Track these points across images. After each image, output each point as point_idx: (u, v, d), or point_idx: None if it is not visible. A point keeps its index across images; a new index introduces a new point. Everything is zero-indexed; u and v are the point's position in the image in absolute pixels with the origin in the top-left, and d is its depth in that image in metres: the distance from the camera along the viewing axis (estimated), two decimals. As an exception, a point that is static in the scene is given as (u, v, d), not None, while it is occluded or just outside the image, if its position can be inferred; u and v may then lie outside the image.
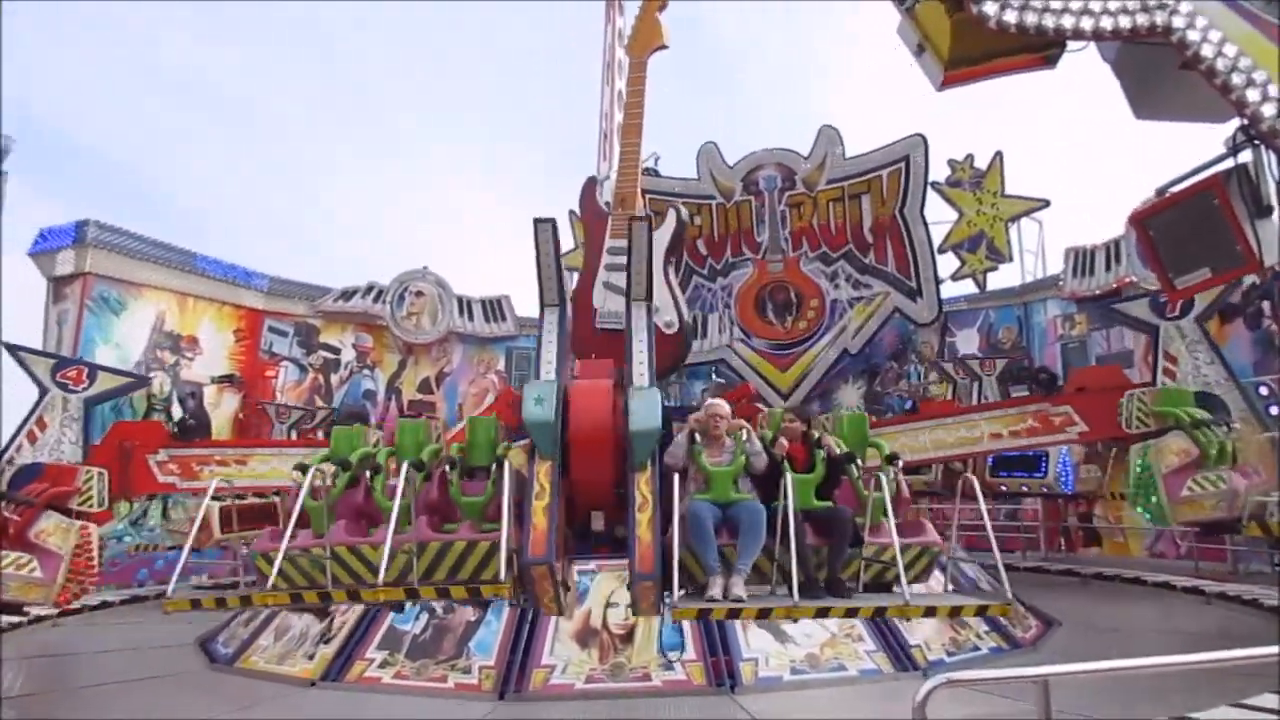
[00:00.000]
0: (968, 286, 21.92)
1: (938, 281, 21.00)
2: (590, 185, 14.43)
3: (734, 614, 5.18)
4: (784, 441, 5.78)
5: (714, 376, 23.49)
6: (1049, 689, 3.55)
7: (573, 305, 13.97)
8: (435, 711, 7.13)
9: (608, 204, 14.62)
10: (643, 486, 5.55)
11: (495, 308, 24.11)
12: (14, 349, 10.42)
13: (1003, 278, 21.95)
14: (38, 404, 10.18)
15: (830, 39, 71.02)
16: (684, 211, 14.03)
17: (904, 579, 5.14)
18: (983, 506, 5.66)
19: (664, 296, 13.00)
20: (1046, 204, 21.36)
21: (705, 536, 5.29)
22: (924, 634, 8.52)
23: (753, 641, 7.98)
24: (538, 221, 6.63)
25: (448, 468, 5.93)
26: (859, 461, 5.92)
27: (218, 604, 5.89)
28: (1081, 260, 19.51)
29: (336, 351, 21.64)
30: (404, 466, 5.47)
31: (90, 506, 9.03)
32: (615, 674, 7.69)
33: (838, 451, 5.79)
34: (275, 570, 5.35)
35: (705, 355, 22.51)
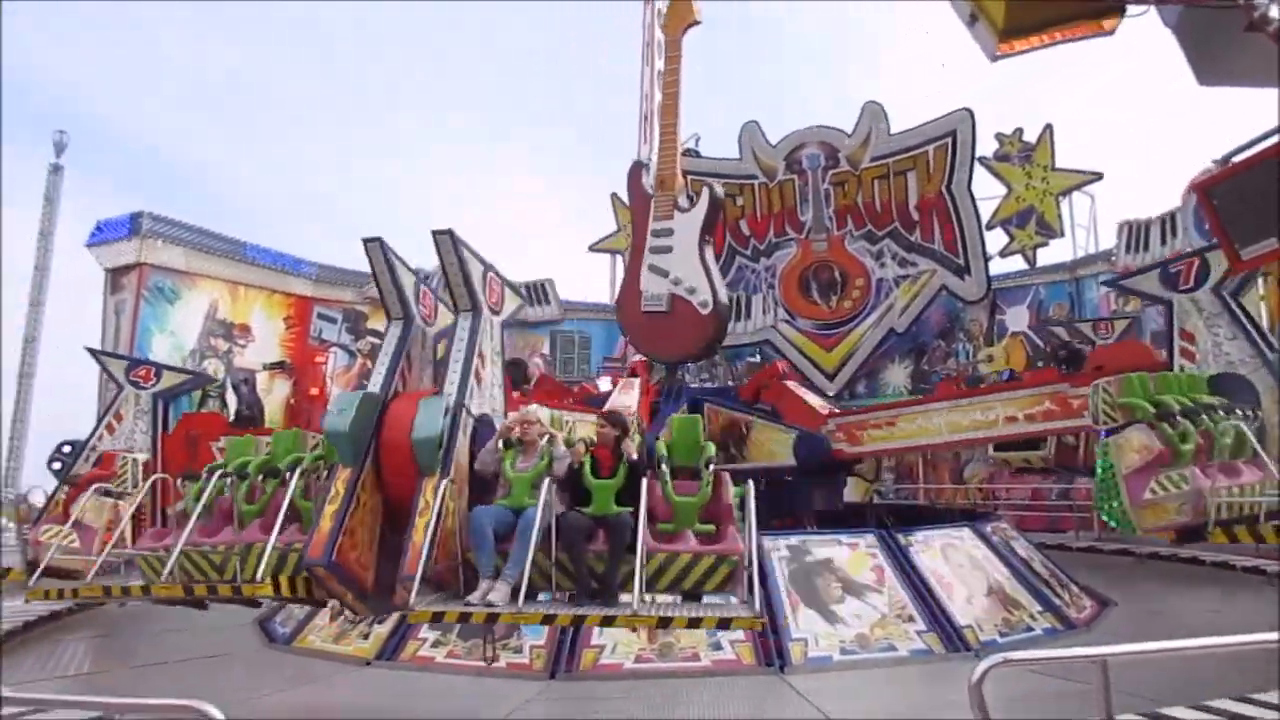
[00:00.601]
0: (1017, 263, 21.54)
1: (986, 258, 20.67)
2: (636, 170, 14.38)
3: (492, 618, 5.50)
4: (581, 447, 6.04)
5: (759, 358, 23.37)
6: (1108, 669, 3.49)
7: (624, 290, 14.06)
8: (487, 690, 7.23)
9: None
10: (427, 492, 5.76)
11: (539, 291, 24.22)
12: (95, 353, 12.35)
13: (1053, 253, 21.54)
14: (114, 400, 11.85)
15: (874, 11, 69.87)
16: (718, 189, 13.87)
17: (636, 588, 5.11)
18: None
19: (698, 276, 12.97)
20: (1099, 177, 20.87)
21: (480, 542, 5.52)
22: (975, 615, 8.43)
23: (802, 622, 7.96)
24: (365, 242, 7.04)
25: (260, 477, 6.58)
26: (698, 465, 6.02)
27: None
28: (1135, 234, 19.04)
29: (383, 337, 21.91)
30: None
31: (125, 488, 9.96)
32: (664, 654, 7.72)
33: (634, 457, 5.88)
34: (94, 571, 6.59)
35: (750, 336, 22.43)
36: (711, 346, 13.66)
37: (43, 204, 25.62)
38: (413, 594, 5.29)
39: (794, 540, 8.93)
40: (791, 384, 13.35)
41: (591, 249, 26.20)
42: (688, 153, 24.37)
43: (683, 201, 13.41)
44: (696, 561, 5.41)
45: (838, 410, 12.18)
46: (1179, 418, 7.15)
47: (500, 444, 6.19)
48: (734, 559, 5.43)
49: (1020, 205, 21.10)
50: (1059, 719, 5.28)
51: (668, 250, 13.29)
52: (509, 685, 7.31)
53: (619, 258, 25.43)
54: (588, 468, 5.86)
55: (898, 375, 22.73)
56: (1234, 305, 9.06)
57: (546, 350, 24.44)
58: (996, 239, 21.17)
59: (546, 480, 5.60)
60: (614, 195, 25.58)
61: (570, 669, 7.62)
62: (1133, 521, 7.39)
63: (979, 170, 21.01)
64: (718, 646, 7.73)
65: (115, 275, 18.32)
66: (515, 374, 12.73)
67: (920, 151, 21.20)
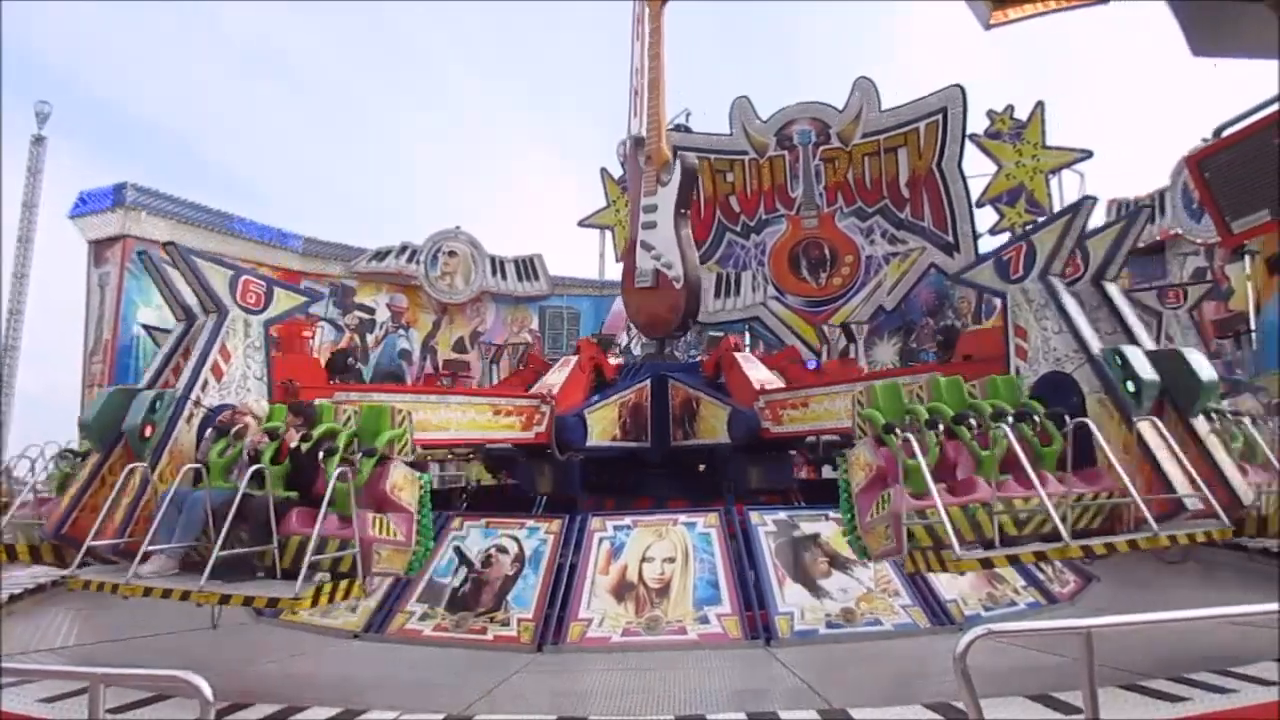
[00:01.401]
0: (1006, 240, 21.56)
1: (976, 236, 20.67)
2: (634, 146, 14.31)
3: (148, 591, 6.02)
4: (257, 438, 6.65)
5: (747, 334, 23.40)
6: (1092, 641, 3.52)
7: (624, 267, 14.07)
8: (475, 662, 7.26)
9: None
10: (131, 475, 6.78)
11: (528, 267, 24.15)
12: (184, 253, 8.49)
13: (1043, 231, 21.53)
14: (218, 329, 8.31)
15: (865, -11, 69.47)
16: (691, 160, 13.76)
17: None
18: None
19: (673, 250, 12.96)
20: (1089, 155, 20.86)
21: (160, 521, 6.15)
22: (960, 589, 8.49)
23: (788, 596, 8.01)
24: (165, 245, 8.29)
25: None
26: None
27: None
28: (1124, 212, 19.06)
29: (371, 311, 21.84)
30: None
31: (407, 453, 7.36)
32: (651, 627, 7.76)
33: (293, 445, 6.56)
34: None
35: (739, 313, 22.42)
36: (684, 320, 13.56)
37: (25, 175, 25.31)
38: (74, 564, 6.21)
39: (781, 515, 8.97)
40: (742, 356, 13.08)
41: (581, 224, 26.09)
42: (679, 128, 24.24)
43: (664, 176, 13.37)
44: (326, 545, 5.93)
45: (769, 387, 11.68)
46: (928, 428, 6.20)
47: (212, 433, 6.92)
48: (352, 546, 5.95)
49: (1010, 183, 21.09)
50: (1043, 691, 5.32)
51: (653, 226, 13.30)
52: (496, 658, 7.34)
53: (608, 233, 25.36)
54: (268, 455, 6.36)
55: (886, 352, 22.81)
56: (1063, 293, 8.17)
57: (535, 326, 24.38)
58: (986, 217, 21.18)
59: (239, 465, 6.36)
60: (603, 170, 25.44)
61: (558, 642, 7.65)
62: (865, 547, 6.57)
63: (970, 147, 20.97)
64: (705, 620, 7.78)
65: (99, 247, 18.15)
66: (338, 361, 12.44)
67: (911, 128, 21.12)
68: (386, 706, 5.62)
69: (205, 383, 7.89)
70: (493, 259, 23.77)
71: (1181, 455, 6.62)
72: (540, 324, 24.57)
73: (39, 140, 25.85)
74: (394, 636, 8.11)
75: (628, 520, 8.81)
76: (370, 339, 22.41)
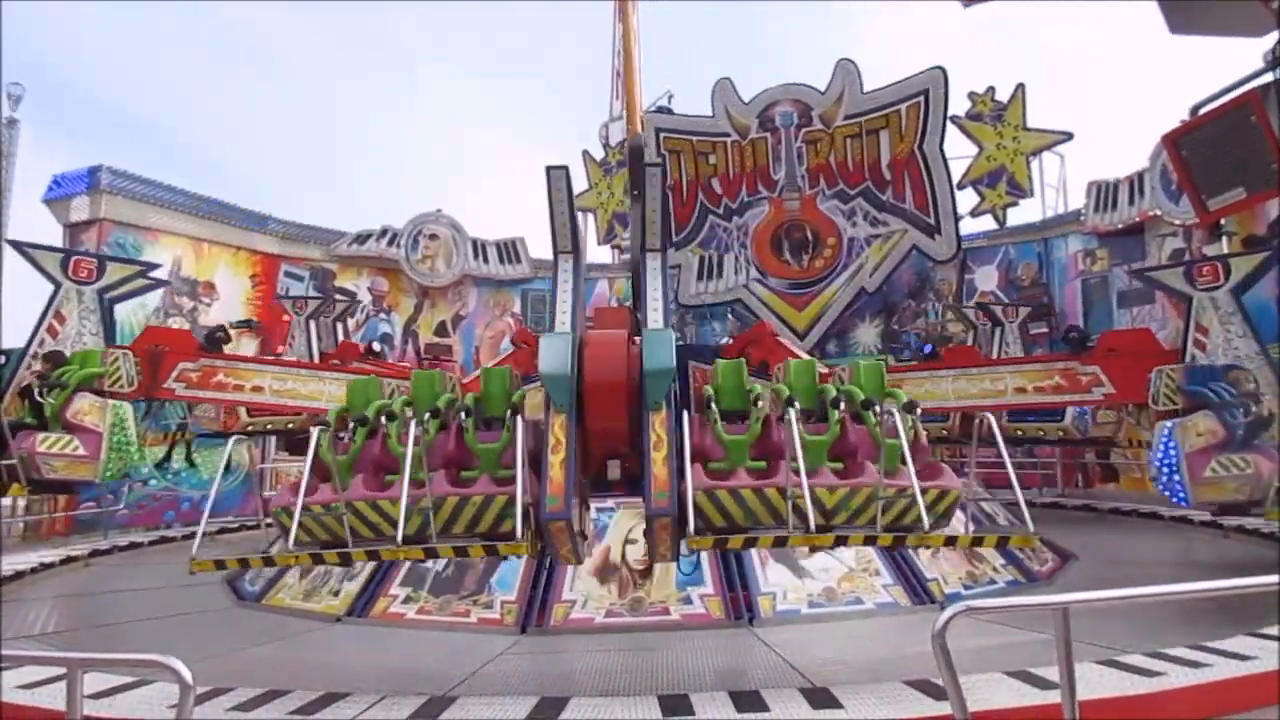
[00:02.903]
0: (987, 223, 21.61)
1: (957, 218, 20.70)
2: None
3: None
4: None
5: (730, 317, 23.41)
6: (1069, 617, 3.55)
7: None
8: (458, 645, 7.26)
9: (620, 144, 14.38)
10: (657, 426, 5.53)
11: (510, 250, 24.01)
12: (19, 245, 10.95)
13: (1023, 213, 21.61)
14: (53, 299, 10.55)
15: (848, -30, 69.14)
16: (639, 139, 13.42)
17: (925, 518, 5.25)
18: (1002, 448, 5.72)
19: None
20: (1069, 137, 20.91)
21: None
22: (941, 568, 8.57)
23: (770, 576, 8.05)
24: (550, 169, 6.54)
25: (463, 416, 5.92)
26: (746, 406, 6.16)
27: (241, 565, 6.03)
28: (1104, 194, 19.16)
29: (352, 295, 21.61)
30: (424, 417, 5.53)
31: (120, 386, 9.85)
32: (634, 608, 7.79)
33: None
34: (294, 528, 5.42)
35: (721, 295, 22.41)
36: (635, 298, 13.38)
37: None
38: (674, 532, 5.30)
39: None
40: (785, 340, 13.29)
41: (563, 207, 25.95)
42: (661, 110, 24.13)
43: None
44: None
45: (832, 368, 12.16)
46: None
47: None
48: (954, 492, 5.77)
49: (991, 165, 21.11)
50: (1021, 668, 5.39)
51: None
52: (480, 640, 7.35)
53: (591, 215, 25.26)
54: None
55: (868, 335, 22.86)
56: (1244, 307, 9.93)
57: (517, 309, 24.28)
58: (967, 199, 21.21)
59: None
60: (585, 152, 25.31)
61: (541, 623, 7.67)
62: (1190, 495, 8.89)
63: (951, 129, 20.99)
64: (688, 601, 7.81)
65: (73, 231, 17.86)
66: (212, 335, 12.54)
67: (893, 110, 21.10)
68: (370, 690, 5.62)
69: (43, 340, 10.16)
70: (474, 242, 23.60)
71: None
72: (522, 307, 24.44)
73: (11, 123, 25.43)
74: (377, 620, 8.10)
75: (610, 503, 8.82)
76: (351, 323, 22.23)
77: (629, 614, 7.74)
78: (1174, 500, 9.29)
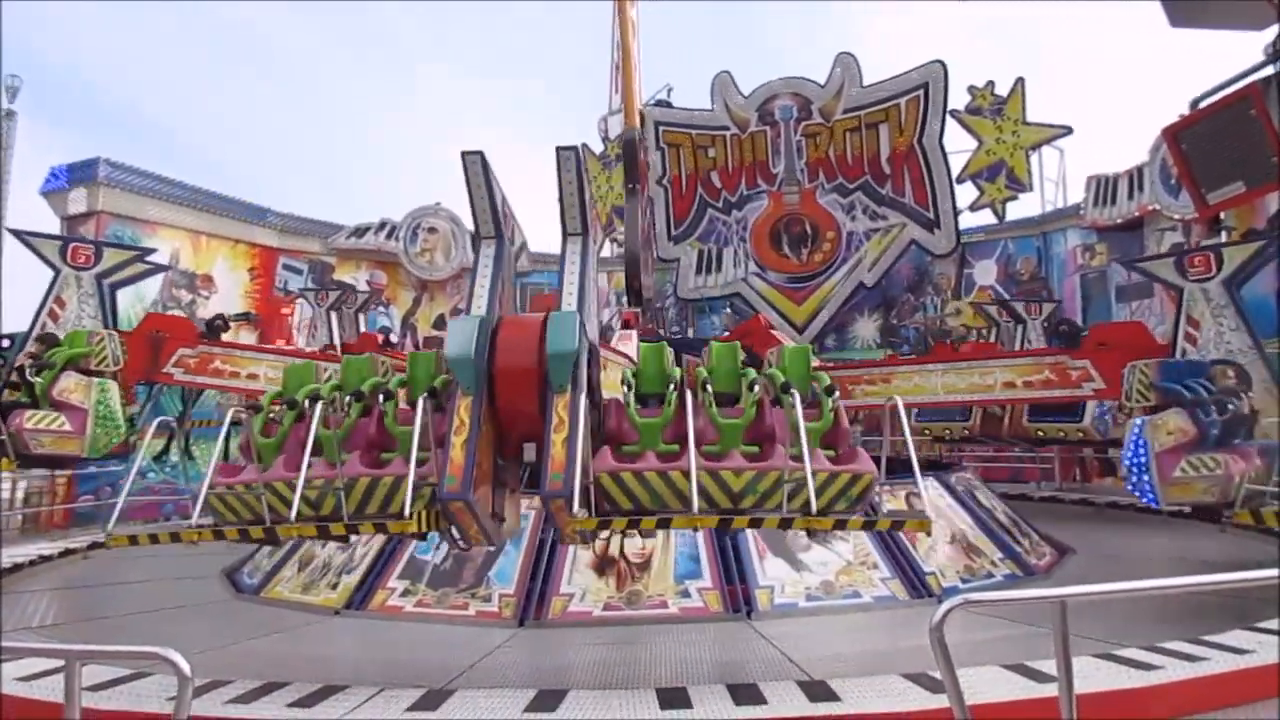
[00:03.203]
0: (986, 217, 21.60)
1: (956, 212, 20.70)
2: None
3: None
4: None
5: (729, 310, 23.41)
6: (1066, 611, 3.56)
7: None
8: (456, 638, 7.26)
9: (619, 138, 14.35)
10: (560, 409, 5.54)
11: (508, 243, 23.97)
12: (19, 233, 11.43)
13: (1022, 208, 21.63)
14: (53, 284, 11.08)
15: (848, -37, 68.94)
16: (629, 132, 13.12)
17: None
18: (908, 435, 5.76)
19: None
20: (1069, 131, 20.89)
21: None
22: (938, 562, 8.58)
23: (768, 569, 8.06)
24: (465, 154, 6.67)
25: (381, 400, 6.03)
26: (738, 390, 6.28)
27: (151, 540, 6.13)
28: (1103, 189, 19.14)
29: (351, 288, 21.57)
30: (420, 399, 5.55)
31: (105, 366, 10.27)
32: (632, 601, 7.79)
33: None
34: (198, 508, 5.65)
35: (720, 289, 22.42)
36: (628, 293, 13.31)
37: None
38: (575, 504, 5.18)
39: (762, 490, 9.00)
40: (778, 333, 13.33)
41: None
42: (661, 104, 24.11)
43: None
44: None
45: (829, 363, 12.20)
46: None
47: None
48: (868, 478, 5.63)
49: (991, 159, 21.09)
50: (1018, 661, 5.39)
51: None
52: (478, 633, 7.35)
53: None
54: None
55: (867, 329, 22.86)
56: (1238, 299, 9.60)
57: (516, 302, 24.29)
58: (966, 193, 21.21)
59: None
60: (584, 146, 25.29)
61: (539, 617, 7.68)
62: (1158, 494, 8.36)
63: (950, 124, 20.96)
64: (686, 594, 7.82)
65: (71, 224, 17.81)
66: (214, 324, 12.89)
67: (893, 104, 21.09)
68: (368, 682, 5.62)
69: (45, 325, 10.54)
70: (473, 235, 23.61)
71: None
72: (522, 301, 24.45)
73: (9, 115, 25.37)
74: (375, 613, 8.11)
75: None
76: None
77: (627, 607, 7.74)
78: (1144, 501, 8.90)
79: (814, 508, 5.23)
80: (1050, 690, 4.18)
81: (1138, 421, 8.82)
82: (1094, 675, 5.12)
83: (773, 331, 13.11)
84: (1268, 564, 4.44)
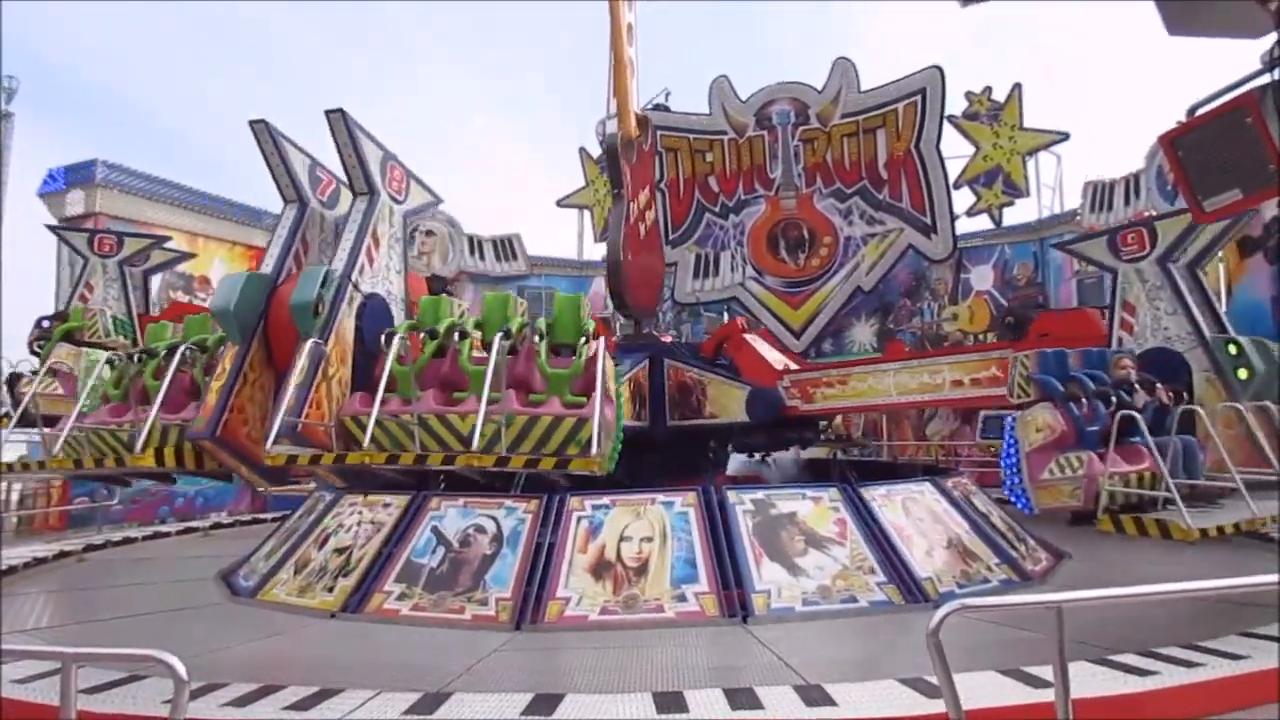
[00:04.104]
0: (983, 222, 21.69)
1: (953, 217, 20.77)
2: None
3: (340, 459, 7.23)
4: None
5: (726, 314, 23.42)
6: (1063, 616, 3.57)
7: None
8: (453, 641, 7.26)
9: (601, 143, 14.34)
10: (300, 354, 6.14)
11: (506, 247, 24.01)
12: (55, 229, 13.56)
13: (1019, 213, 21.72)
14: (83, 271, 12.66)
15: (845, -32, 69.09)
16: (611, 137, 13.26)
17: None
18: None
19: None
20: (1065, 137, 20.98)
21: None
22: (935, 567, 8.58)
23: (765, 574, 8.06)
24: (329, 113, 7.58)
25: (536, 339, 6.37)
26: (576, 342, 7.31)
27: (313, 461, 6.34)
28: (1100, 194, 19.23)
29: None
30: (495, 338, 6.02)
31: (96, 338, 10.98)
32: (629, 606, 7.79)
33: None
34: (369, 433, 5.90)
35: (718, 294, 22.44)
36: (613, 298, 13.33)
37: (-5, 151, 24.82)
38: (269, 443, 5.78)
39: (759, 494, 9.01)
40: (751, 338, 13.29)
41: (559, 204, 25.97)
42: (658, 108, 24.13)
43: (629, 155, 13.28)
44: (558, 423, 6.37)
45: (794, 367, 12.12)
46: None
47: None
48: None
49: (987, 164, 21.17)
50: (1014, 666, 5.40)
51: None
52: (475, 637, 7.34)
53: (587, 213, 25.26)
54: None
55: (864, 333, 22.90)
56: (1179, 278, 8.82)
57: (513, 306, 24.29)
58: (963, 198, 21.29)
59: None
60: (582, 149, 25.33)
61: (536, 620, 7.67)
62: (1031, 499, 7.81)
63: (947, 129, 21.02)
64: (682, 598, 7.81)
65: (69, 225, 17.82)
66: (434, 284, 13.40)
67: (890, 109, 21.15)
68: (365, 685, 5.61)
69: (361, 267, 8.10)
70: (471, 238, 23.60)
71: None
72: (536, 306, 24.49)
73: (6, 116, 25.39)
74: (371, 616, 8.09)
75: (606, 499, 8.82)
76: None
77: (623, 611, 7.74)
78: (1019, 508, 8.19)
79: (504, 449, 5.83)
80: (1047, 696, 4.20)
81: (1010, 418, 8.23)
82: (1090, 681, 5.13)
83: (746, 337, 13.08)
84: (1263, 571, 4.45)
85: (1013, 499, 8.21)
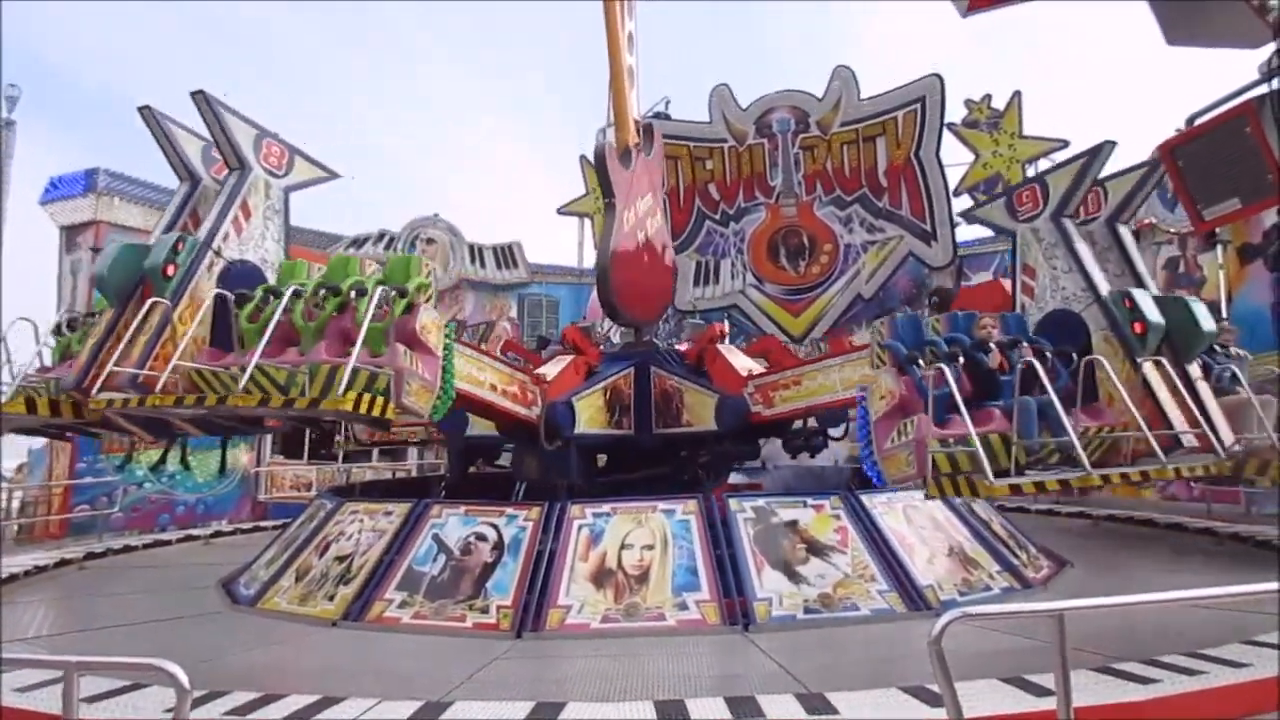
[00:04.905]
0: (983, 229, 21.68)
1: (953, 224, 20.78)
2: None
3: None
4: None
5: (726, 323, 23.44)
6: (1064, 623, 3.57)
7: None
8: (454, 650, 7.25)
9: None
10: (151, 310, 7.70)
11: (507, 254, 24.04)
12: (214, 104, 9.09)
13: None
14: (240, 185, 9.13)
15: (845, -23, 69.30)
16: (599, 145, 13.34)
17: None
18: None
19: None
20: (1065, 144, 21.03)
21: None
22: (936, 575, 8.58)
23: (766, 582, 8.06)
24: (193, 94, 8.83)
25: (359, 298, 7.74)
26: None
27: (124, 406, 7.67)
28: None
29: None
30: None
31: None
32: (630, 614, 7.79)
33: None
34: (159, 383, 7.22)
35: (718, 301, 22.45)
36: (605, 307, 13.31)
37: (-4, 160, 24.85)
38: (95, 390, 7.10)
39: (760, 502, 9.01)
40: (722, 346, 13.16)
41: (560, 212, 26.02)
42: (658, 116, 24.18)
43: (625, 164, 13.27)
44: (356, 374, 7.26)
45: (758, 372, 11.95)
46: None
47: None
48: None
49: (987, 172, 21.23)
50: (1016, 674, 5.40)
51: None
52: (476, 645, 7.34)
53: (588, 221, 25.32)
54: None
55: (864, 341, 22.88)
56: (1073, 234, 8.42)
57: (514, 314, 24.29)
58: (963, 205, 21.29)
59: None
60: (583, 158, 25.36)
61: (537, 628, 7.67)
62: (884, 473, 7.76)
63: (947, 136, 21.07)
64: (683, 606, 7.81)
65: (70, 233, 17.87)
66: None
67: (889, 117, 21.18)
68: (365, 694, 5.61)
69: (226, 235, 8.80)
70: (471, 246, 23.64)
71: (1183, 395, 7.05)
72: (519, 312, 24.49)
73: (8, 125, 25.42)
74: (372, 624, 8.09)
75: (607, 507, 8.83)
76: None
77: (625, 619, 7.74)
78: (873, 480, 7.80)
79: (339, 390, 6.94)
80: (1049, 704, 4.20)
81: (860, 388, 7.95)
82: (1092, 688, 5.13)
83: (719, 348, 13.04)
84: (1264, 579, 4.45)
85: (868, 472, 7.94)
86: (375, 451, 22.13)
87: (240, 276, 8.30)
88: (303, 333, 7.60)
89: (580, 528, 8.57)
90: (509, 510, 9.01)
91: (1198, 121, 4.66)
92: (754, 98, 22.52)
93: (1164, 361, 7.48)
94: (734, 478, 13.45)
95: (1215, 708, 5.05)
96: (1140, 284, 8.20)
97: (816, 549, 8.47)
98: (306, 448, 21.03)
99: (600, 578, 8.13)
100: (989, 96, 21.37)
